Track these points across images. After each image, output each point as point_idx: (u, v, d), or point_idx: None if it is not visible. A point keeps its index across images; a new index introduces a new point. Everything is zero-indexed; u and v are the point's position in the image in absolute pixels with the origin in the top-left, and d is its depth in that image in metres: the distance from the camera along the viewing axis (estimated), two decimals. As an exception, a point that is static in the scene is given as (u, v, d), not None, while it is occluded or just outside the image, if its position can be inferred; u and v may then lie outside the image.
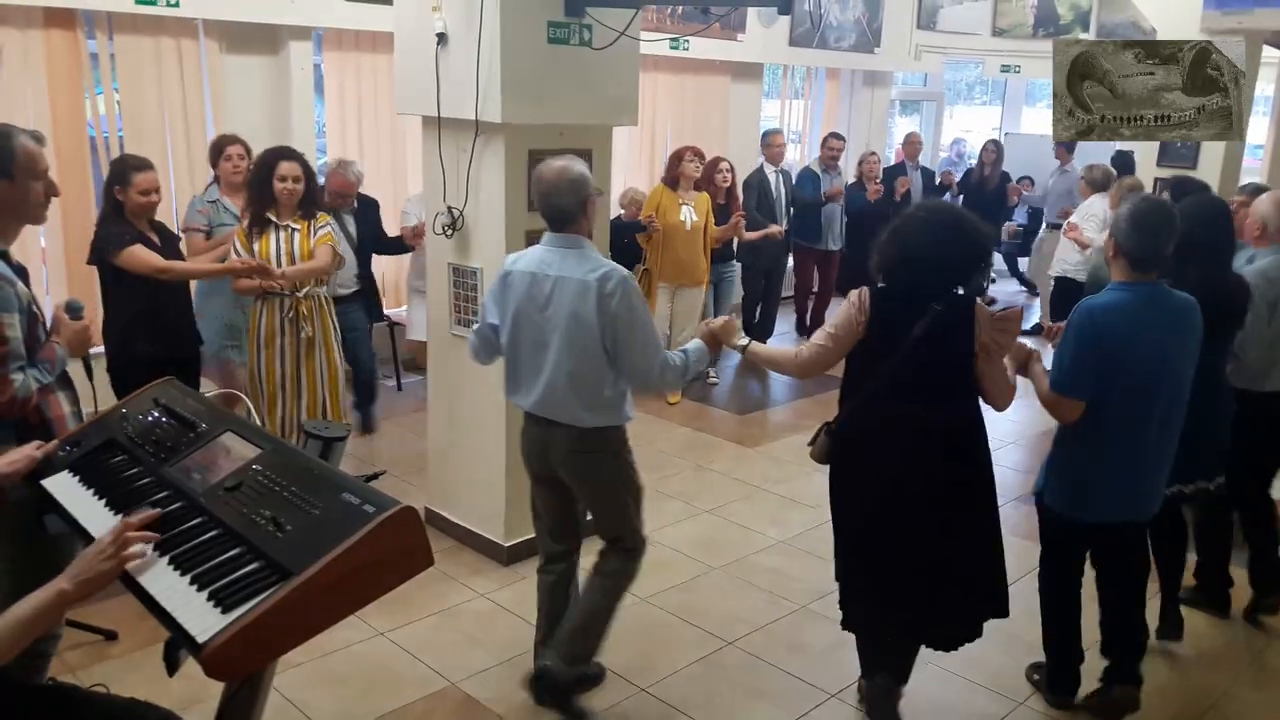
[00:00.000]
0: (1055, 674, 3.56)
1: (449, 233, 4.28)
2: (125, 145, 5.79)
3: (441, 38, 4.02)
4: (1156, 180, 6.55)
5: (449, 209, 4.25)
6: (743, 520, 4.97)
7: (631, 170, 8.45)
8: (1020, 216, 10.31)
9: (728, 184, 7.04)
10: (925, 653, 3.31)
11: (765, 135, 7.84)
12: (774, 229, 7.41)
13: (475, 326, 3.41)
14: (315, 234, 4.68)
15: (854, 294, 3.07)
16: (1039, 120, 15.11)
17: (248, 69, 6.24)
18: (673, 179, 6.62)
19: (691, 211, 6.56)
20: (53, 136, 5.54)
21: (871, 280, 3.10)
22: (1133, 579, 3.52)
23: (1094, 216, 6.82)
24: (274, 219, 4.64)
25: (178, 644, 1.85)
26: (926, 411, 2.99)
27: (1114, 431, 3.18)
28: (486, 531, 4.46)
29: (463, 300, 4.36)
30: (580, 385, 3.09)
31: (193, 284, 4.94)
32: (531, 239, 4.13)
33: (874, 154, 9.05)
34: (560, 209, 3.12)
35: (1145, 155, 6.89)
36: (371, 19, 6.25)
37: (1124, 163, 7.72)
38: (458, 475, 4.58)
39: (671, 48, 8.06)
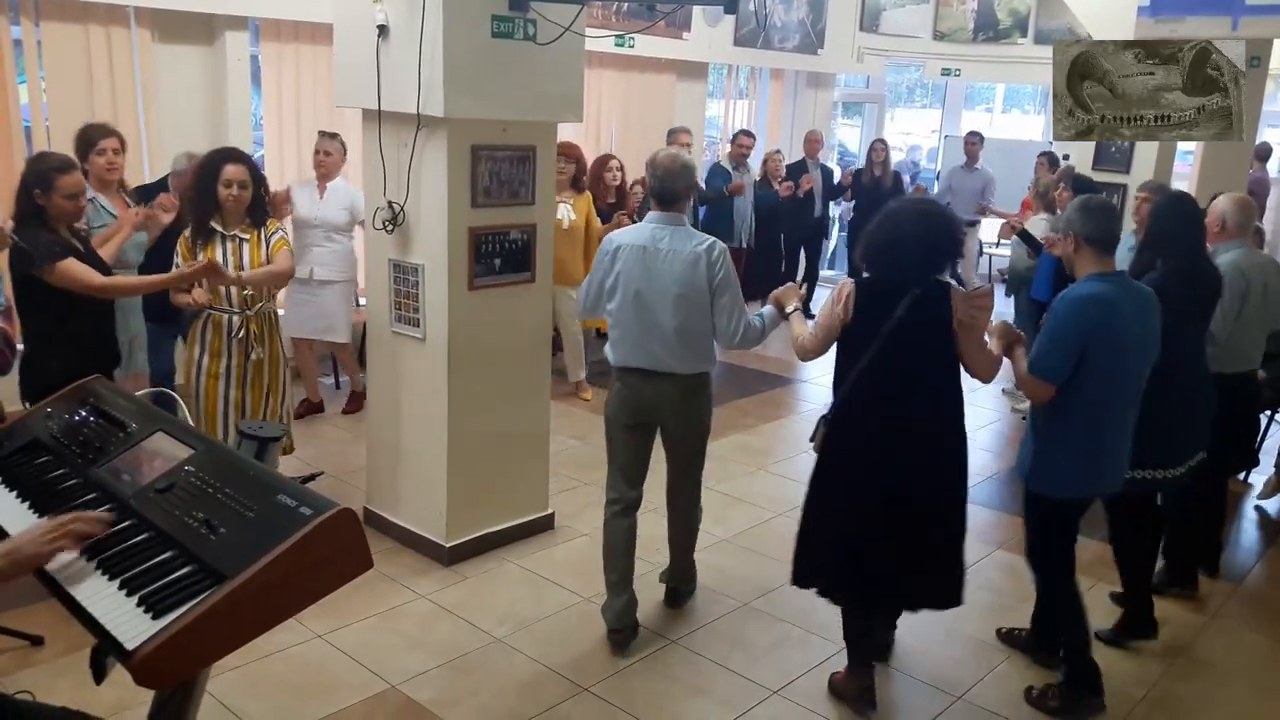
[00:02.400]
0: (1087, 676, 3.51)
1: (389, 228, 4.21)
2: (52, 137, 5.61)
3: (382, 30, 3.96)
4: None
5: (389, 204, 4.19)
6: (686, 519, 4.96)
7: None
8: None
9: (617, 183, 6.98)
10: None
11: (671, 133, 7.77)
12: None
13: (582, 293, 3.88)
14: (268, 242, 4.37)
15: (837, 287, 3.34)
16: (977, 122, 15.38)
17: (181, 59, 6.08)
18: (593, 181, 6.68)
19: (569, 211, 6.45)
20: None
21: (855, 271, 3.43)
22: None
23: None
24: (219, 228, 4.29)
25: (105, 651, 1.79)
26: (909, 394, 3.24)
27: (1099, 413, 3.35)
28: (428, 532, 4.41)
29: (403, 297, 4.30)
30: (687, 340, 3.66)
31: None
32: (475, 234, 4.11)
33: (778, 152, 9.13)
34: (673, 191, 3.67)
35: (1081, 158, 7.01)
36: (310, 9, 6.13)
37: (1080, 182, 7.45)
38: (398, 475, 4.52)
39: (617, 45, 8.04)
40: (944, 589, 3.40)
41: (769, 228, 8.79)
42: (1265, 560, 4.98)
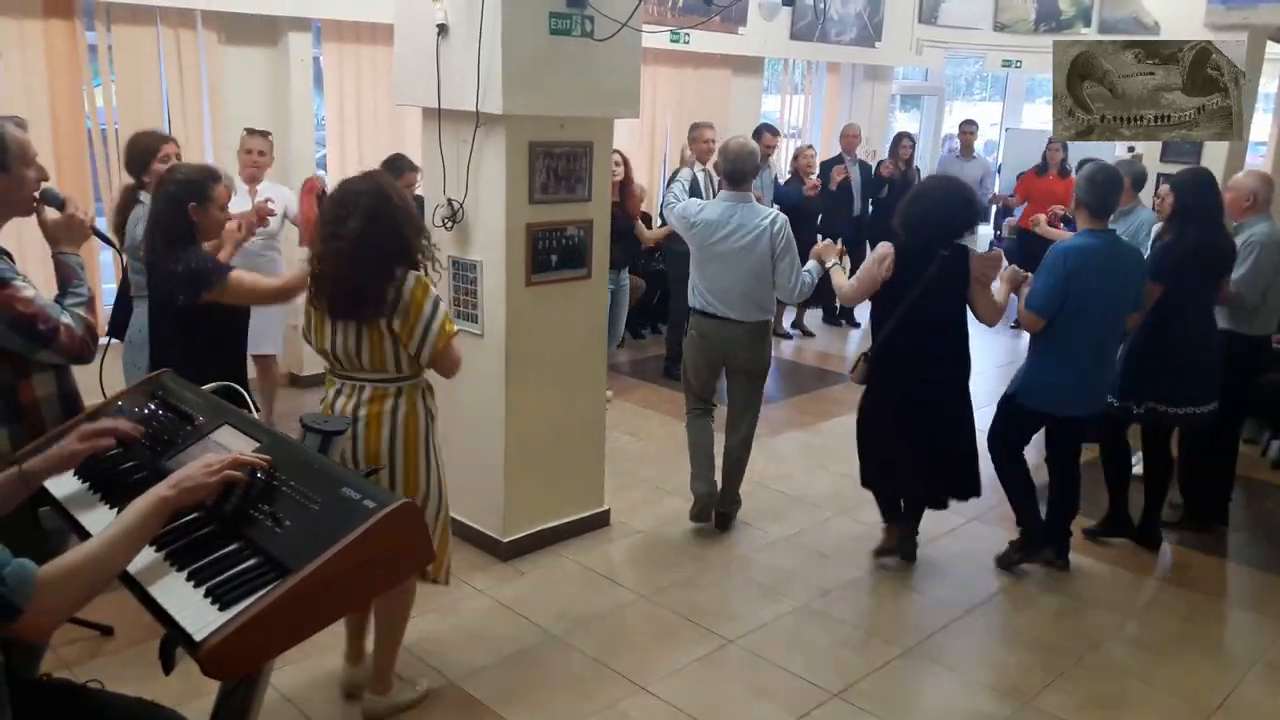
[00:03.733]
0: (1030, 537, 4.48)
1: (448, 225, 4.23)
2: (121, 139, 5.73)
3: (442, 29, 3.98)
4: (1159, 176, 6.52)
5: (449, 201, 4.21)
6: (744, 516, 4.92)
7: (632, 164, 8.38)
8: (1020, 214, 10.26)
9: (618, 178, 6.33)
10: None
11: (692, 130, 7.20)
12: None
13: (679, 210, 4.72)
14: None
15: (879, 249, 4.21)
16: (1040, 116, 15.09)
17: (246, 60, 6.19)
18: None
19: None
20: (52, 129, 5.49)
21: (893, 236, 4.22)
22: (1072, 458, 4.48)
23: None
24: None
25: (174, 642, 1.81)
26: (938, 333, 4.15)
27: (1072, 344, 4.17)
28: (485, 527, 4.43)
29: (462, 294, 4.32)
30: (755, 293, 4.49)
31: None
32: (533, 231, 4.12)
33: (810, 147, 8.71)
34: (743, 172, 4.50)
35: (1150, 153, 6.85)
36: (371, 10, 6.21)
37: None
38: (455, 470, 4.49)
39: (672, 41, 8.02)
40: (966, 482, 4.31)
41: (799, 227, 8.45)
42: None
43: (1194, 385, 4.52)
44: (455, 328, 3.08)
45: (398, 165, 5.69)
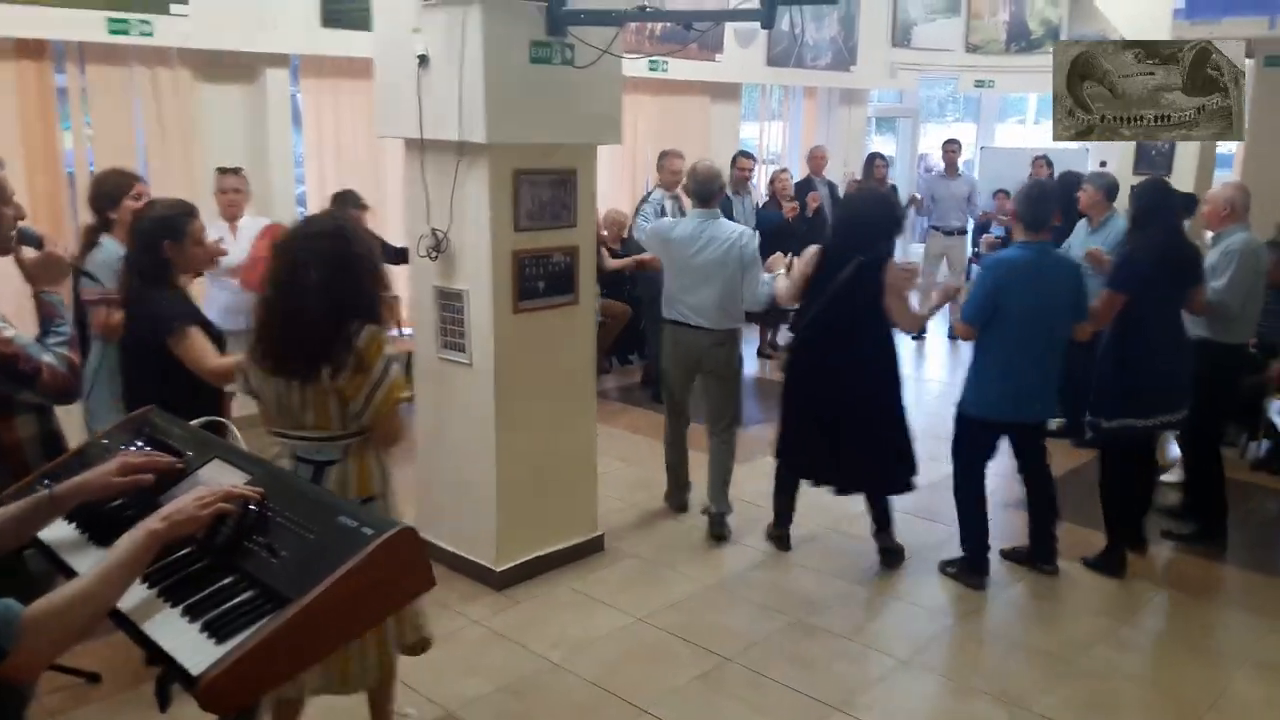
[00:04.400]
0: (975, 556, 4.50)
1: (433, 255, 4.24)
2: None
3: (423, 59, 3.99)
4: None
5: (433, 231, 4.21)
6: (737, 536, 4.92)
7: (614, 191, 8.44)
8: (998, 230, 10.33)
9: None
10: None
11: (662, 157, 7.16)
12: (647, 256, 6.46)
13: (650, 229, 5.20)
14: None
15: (807, 250, 4.59)
16: (1011, 135, 15.28)
17: (223, 98, 6.19)
18: None
19: None
20: (25, 170, 5.46)
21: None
22: (1045, 468, 4.54)
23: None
24: None
25: (170, 678, 1.78)
26: (848, 335, 4.38)
27: (1009, 352, 4.25)
28: (478, 556, 4.40)
29: (449, 324, 4.32)
30: (724, 303, 4.78)
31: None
32: (519, 258, 4.13)
33: (785, 171, 8.80)
34: (710, 192, 4.88)
35: (1123, 162, 6.93)
36: (348, 45, 6.22)
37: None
38: (447, 500, 4.52)
39: (650, 69, 8.08)
40: (881, 479, 4.55)
41: (784, 248, 8.44)
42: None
43: (1166, 395, 4.47)
44: (406, 394, 2.85)
45: (345, 201, 5.65)
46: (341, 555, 1.81)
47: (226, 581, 1.89)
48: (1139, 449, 4.65)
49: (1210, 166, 7.02)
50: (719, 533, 4.91)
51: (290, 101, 6.49)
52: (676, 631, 4.03)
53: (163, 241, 3.41)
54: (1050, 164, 8.98)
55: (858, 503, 5.10)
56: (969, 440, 4.48)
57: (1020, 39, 10.97)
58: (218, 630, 1.76)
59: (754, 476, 5.29)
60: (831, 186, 9.12)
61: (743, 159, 8.09)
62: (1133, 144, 6.79)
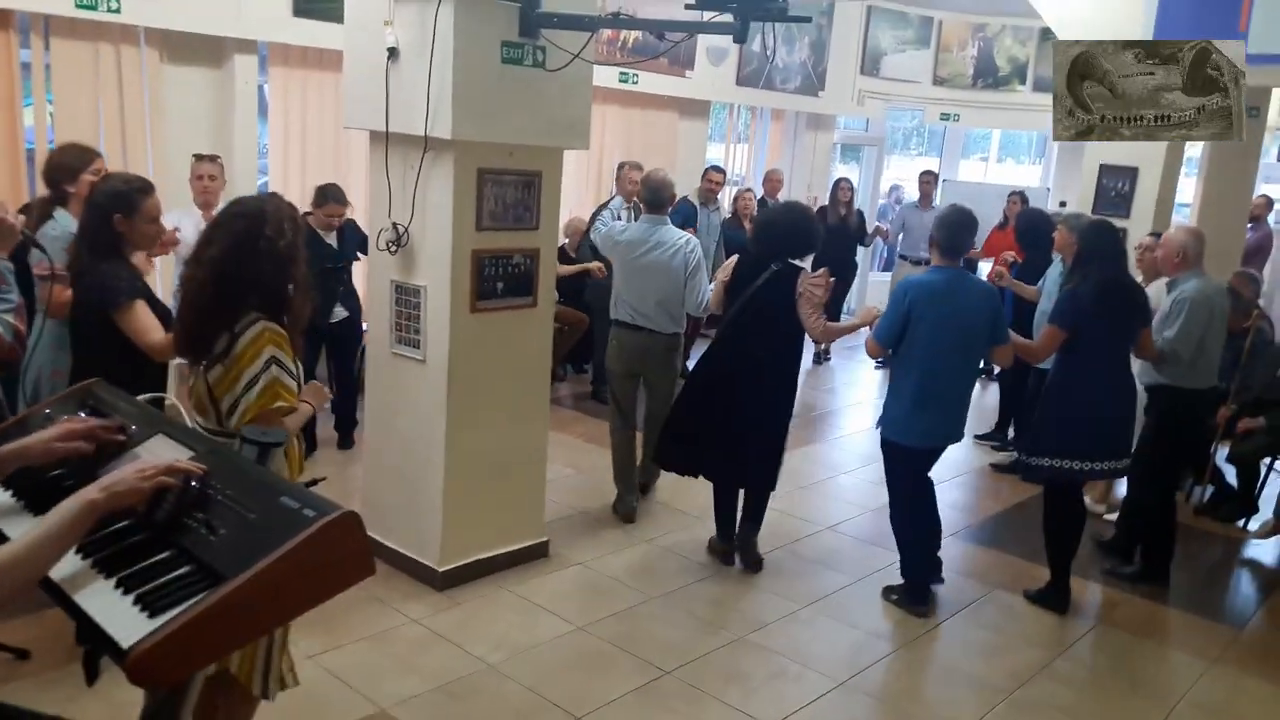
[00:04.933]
0: (913, 581, 4.55)
1: (393, 249, 4.21)
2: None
3: (393, 52, 3.98)
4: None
5: (394, 225, 4.19)
6: (682, 550, 4.92)
7: (580, 197, 8.45)
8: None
9: None
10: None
11: (621, 167, 7.35)
12: (593, 265, 6.95)
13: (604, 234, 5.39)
14: None
15: (728, 260, 4.92)
16: (974, 171, 15.52)
17: (189, 81, 6.12)
18: None
19: None
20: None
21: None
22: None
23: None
24: None
25: (99, 651, 1.75)
26: (758, 340, 4.55)
27: (921, 377, 4.28)
28: (421, 556, 4.36)
29: (404, 319, 4.29)
30: (668, 304, 5.09)
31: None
32: (479, 257, 4.12)
33: (749, 190, 8.94)
34: (661, 200, 5.16)
35: (1083, 202, 7.05)
36: (319, 35, 6.19)
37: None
38: (393, 497, 4.47)
39: (621, 80, 8.12)
40: (764, 475, 4.70)
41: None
42: (1266, 608, 4.95)
43: (1106, 442, 4.43)
44: (283, 404, 2.56)
45: (326, 195, 5.74)
46: (281, 536, 1.78)
47: (163, 556, 1.85)
48: (1075, 489, 4.64)
49: (1169, 208, 7.15)
50: (645, 493, 5.46)
51: (258, 90, 6.43)
52: (617, 642, 4.02)
53: (114, 214, 3.37)
54: (1025, 199, 9.09)
55: (808, 524, 5.13)
56: (897, 468, 4.50)
57: (987, 75, 11.17)
58: (151, 604, 1.72)
59: (702, 490, 5.29)
60: None
61: (713, 173, 8.25)
62: (1093, 184, 6.92)
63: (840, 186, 9.42)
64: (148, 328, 3.38)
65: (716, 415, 4.60)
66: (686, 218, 7.59)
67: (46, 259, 3.41)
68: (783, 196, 9.21)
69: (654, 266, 5.03)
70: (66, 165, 4.00)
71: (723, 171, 8.45)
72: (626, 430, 5.31)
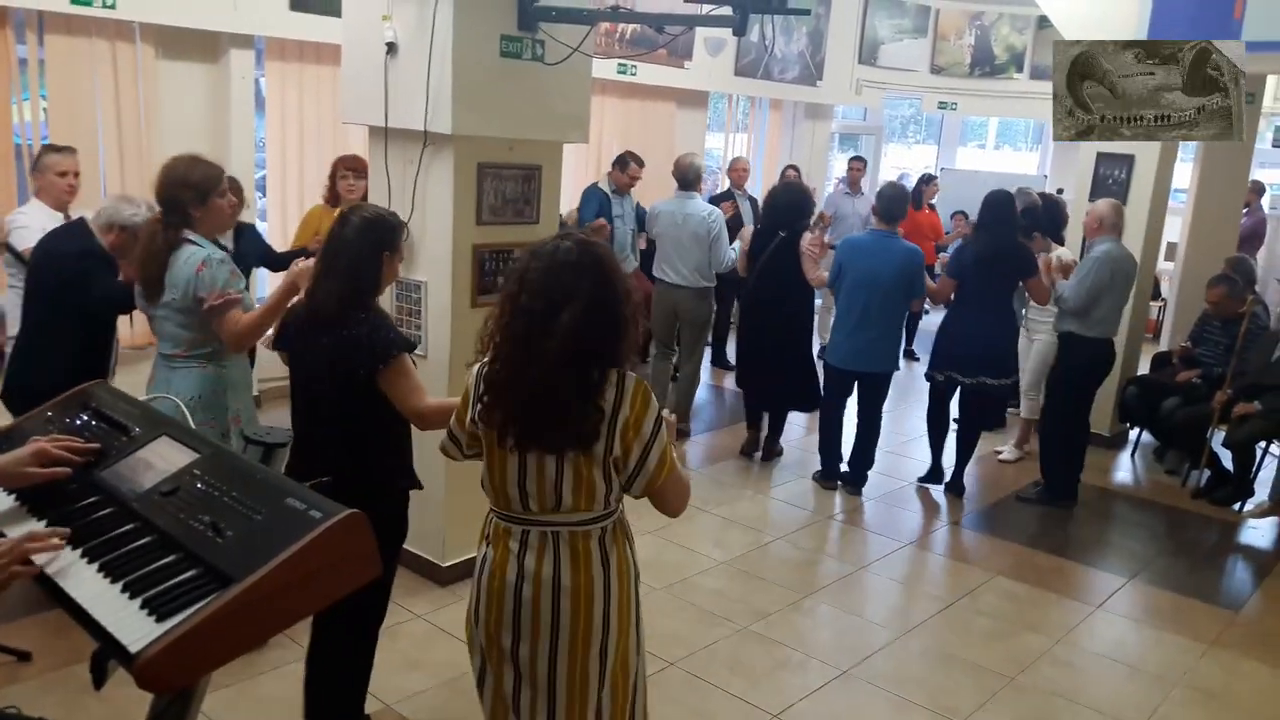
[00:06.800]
0: (826, 465, 5.91)
1: (393, 245, 4.19)
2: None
3: (391, 47, 3.96)
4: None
5: (394, 221, 4.17)
6: (685, 541, 4.93)
7: (577, 190, 8.41)
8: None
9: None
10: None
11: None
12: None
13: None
14: None
15: (744, 230, 6.46)
16: (971, 159, 15.53)
17: (185, 77, 6.10)
18: (335, 197, 5.60)
19: None
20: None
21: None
22: (872, 410, 5.76)
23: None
24: None
25: (107, 655, 1.75)
26: (777, 290, 5.87)
27: (851, 315, 5.55)
28: (425, 552, 4.36)
29: (405, 313, 4.28)
30: (700, 266, 6.34)
31: None
32: (479, 252, 4.11)
33: (741, 159, 8.67)
34: (691, 179, 6.41)
35: (1080, 189, 7.04)
36: (316, 30, 6.17)
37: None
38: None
39: (619, 72, 8.10)
40: (796, 397, 6.14)
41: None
42: (1261, 591, 4.96)
43: (983, 360, 5.52)
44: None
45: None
46: (288, 538, 1.79)
47: (169, 559, 1.86)
48: (958, 399, 5.86)
49: (1165, 195, 7.14)
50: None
51: (254, 85, 6.41)
52: (621, 633, 4.02)
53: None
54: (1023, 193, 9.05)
55: (806, 513, 5.14)
56: (827, 382, 5.90)
57: (984, 64, 11.15)
58: (158, 608, 1.74)
59: (700, 484, 5.32)
60: (753, 201, 8.64)
61: (635, 167, 7.32)
62: (1090, 172, 6.90)
63: (852, 166, 9.42)
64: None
65: (757, 354, 6.00)
66: (602, 205, 7.27)
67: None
68: (752, 184, 9.00)
69: (686, 234, 6.26)
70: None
71: (642, 164, 7.47)
72: (665, 361, 6.65)
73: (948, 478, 5.92)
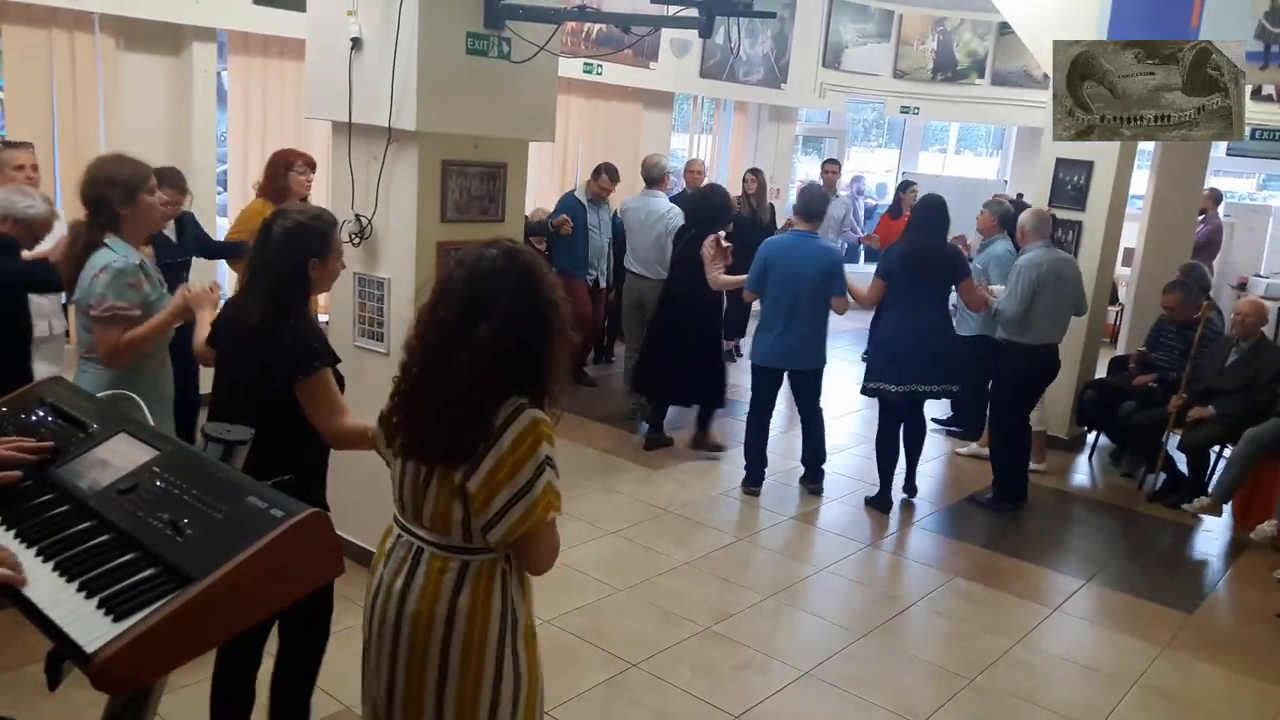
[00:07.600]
0: (751, 471, 5.82)
1: (356, 241, 4.17)
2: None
3: (356, 42, 3.93)
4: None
5: (356, 217, 4.15)
6: (648, 542, 4.94)
7: (542, 188, 8.41)
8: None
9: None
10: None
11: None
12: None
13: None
14: None
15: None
16: (932, 163, 15.69)
17: (146, 69, 6.01)
18: (278, 192, 5.25)
19: None
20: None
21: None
22: (811, 407, 5.76)
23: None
24: None
25: (62, 655, 1.72)
26: (685, 288, 6.15)
27: (768, 315, 5.59)
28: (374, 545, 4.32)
29: (368, 311, 4.25)
30: (659, 259, 6.78)
31: None
32: (444, 249, 4.09)
33: (697, 161, 8.68)
34: (656, 178, 7.04)
35: (1039, 195, 7.12)
36: (280, 24, 6.10)
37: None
38: (356, 492, 4.42)
39: (585, 71, 8.09)
40: (712, 394, 6.34)
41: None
42: (1215, 593, 5.06)
43: (916, 369, 5.39)
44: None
45: (159, 178, 3.96)
46: (249, 536, 1.76)
47: (127, 558, 1.82)
48: (899, 412, 5.65)
49: (1123, 202, 7.23)
50: (641, 415, 6.71)
51: (217, 79, 6.33)
52: (584, 635, 4.02)
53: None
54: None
55: (770, 514, 5.17)
56: (754, 383, 5.80)
57: (947, 69, 11.28)
58: (116, 607, 1.70)
59: (667, 485, 5.32)
60: None
61: (606, 178, 7.44)
62: (1049, 178, 6.99)
63: (827, 168, 9.44)
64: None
65: (666, 348, 6.19)
66: (575, 214, 7.30)
67: None
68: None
69: (649, 228, 6.81)
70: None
71: (616, 178, 7.60)
72: (634, 346, 6.95)
73: (902, 495, 5.80)
